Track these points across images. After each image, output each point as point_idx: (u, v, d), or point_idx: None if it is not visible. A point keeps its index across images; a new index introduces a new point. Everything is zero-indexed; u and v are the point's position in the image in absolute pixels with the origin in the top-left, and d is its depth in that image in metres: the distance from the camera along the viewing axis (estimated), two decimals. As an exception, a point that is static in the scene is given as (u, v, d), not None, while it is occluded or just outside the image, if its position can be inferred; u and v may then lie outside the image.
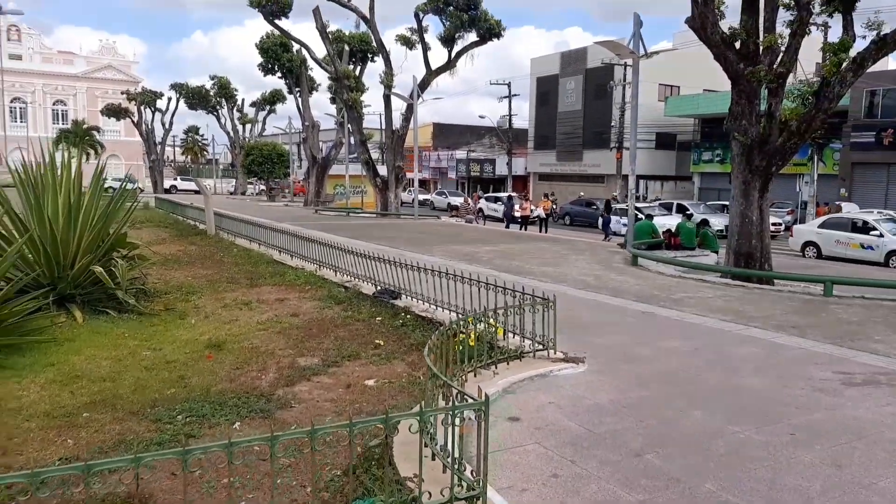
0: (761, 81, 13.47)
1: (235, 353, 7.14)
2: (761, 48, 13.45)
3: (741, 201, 13.76)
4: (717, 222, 24.00)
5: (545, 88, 49.41)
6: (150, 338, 7.71)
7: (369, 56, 38.86)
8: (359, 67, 40.14)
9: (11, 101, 72.53)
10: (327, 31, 32.47)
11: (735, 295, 11.13)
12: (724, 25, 13.79)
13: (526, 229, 26.62)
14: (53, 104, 75.31)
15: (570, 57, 47.16)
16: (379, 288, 9.90)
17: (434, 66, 32.19)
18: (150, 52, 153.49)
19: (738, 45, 13.63)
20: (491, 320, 6.51)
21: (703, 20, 13.32)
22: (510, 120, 53.18)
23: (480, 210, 38.66)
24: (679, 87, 42.54)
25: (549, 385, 5.94)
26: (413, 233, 22.23)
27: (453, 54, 32.05)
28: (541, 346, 6.70)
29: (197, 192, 67.03)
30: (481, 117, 56.60)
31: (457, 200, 41.95)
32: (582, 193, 38.80)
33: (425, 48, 32.26)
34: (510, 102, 52.69)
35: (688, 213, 25.25)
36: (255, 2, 29.81)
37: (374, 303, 9.45)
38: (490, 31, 31.48)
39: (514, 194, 37.29)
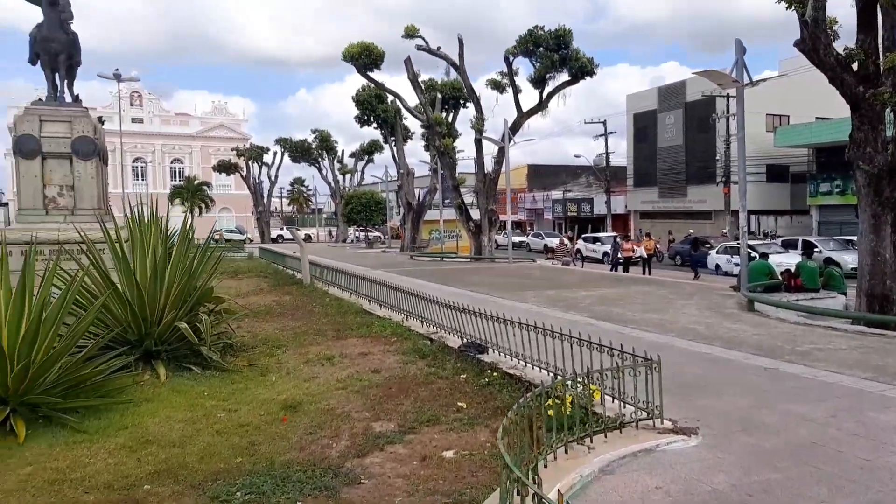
0: (885, 104, 12.08)
1: (311, 415, 6.72)
2: (882, 68, 12.09)
3: (871, 237, 12.25)
4: (849, 259, 22.01)
5: (643, 124, 48.00)
6: (228, 397, 7.44)
7: (461, 102, 39.13)
8: (451, 114, 40.53)
9: (134, 161, 78.62)
10: (419, 80, 32.96)
11: (873, 346, 9.70)
12: (839, 46, 12.57)
13: (627, 271, 25.33)
14: (171, 162, 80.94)
15: (668, 91, 45.69)
16: (465, 341, 9.30)
17: (525, 108, 31.84)
18: (259, 110, 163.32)
19: (855, 66, 12.35)
20: (586, 381, 5.76)
21: (814, 42, 12.16)
22: (607, 157, 51.87)
23: (578, 251, 37.55)
24: (788, 116, 40.07)
25: (655, 464, 5.08)
26: (507, 277, 21.57)
27: (544, 95, 31.62)
28: (645, 415, 5.85)
29: (304, 241, 69.73)
30: (577, 156, 55.81)
31: (553, 242, 40.96)
32: (691, 231, 36.89)
33: (516, 91, 32.03)
34: (606, 140, 51.53)
35: (814, 250, 23.08)
36: (348, 56, 30.72)
37: (460, 357, 8.84)
38: (582, 70, 30.88)
39: (617, 234, 35.97)
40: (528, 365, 7.79)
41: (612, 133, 52.02)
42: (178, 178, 76.65)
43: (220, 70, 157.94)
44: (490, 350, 8.68)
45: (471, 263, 28.91)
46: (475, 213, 32.55)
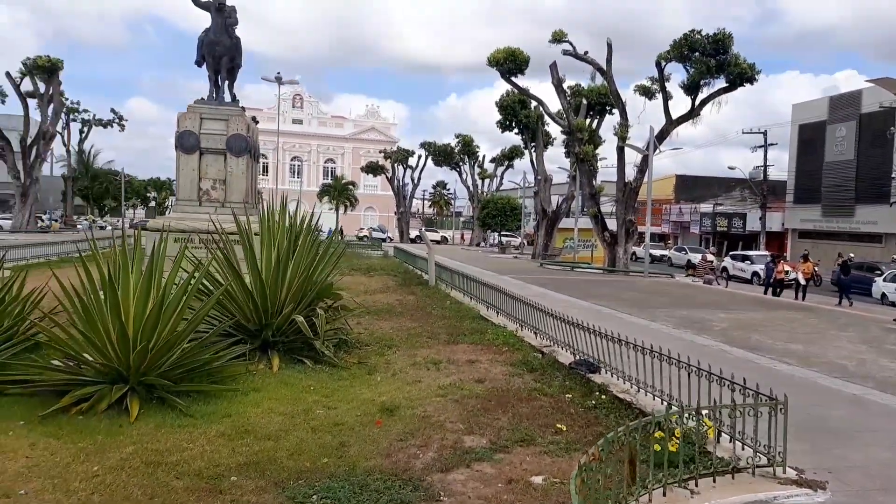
0: None
1: (405, 420, 6.61)
2: None
3: None
4: None
5: (809, 136, 44.07)
6: (331, 394, 7.52)
7: (607, 108, 37.94)
8: (596, 120, 39.44)
9: (291, 160, 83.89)
10: (563, 85, 32.33)
11: None
12: None
13: (779, 294, 23.23)
14: (325, 162, 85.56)
15: (841, 101, 41.58)
16: (577, 358, 8.83)
17: (675, 116, 30.31)
18: (410, 114, 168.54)
19: None
20: (701, 415, 5.19)
21: None
22: (765, 170, 48.21)
23: (724, 269, 35.10)
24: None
25: (767, 521, 4.44)
26: (639, 292, 20.52)
27: (697, 102, 29.92)
28: (764, 460, 5.16)
29: (439, 242, 71.08)
30: (731, 168, 52.24)
31: (697, 257, 38.64)
32: (852, 255, 33.39)
33: (666, 97, 30.55)
34: (765, 152, 47.88)
35: None
36: (493, 61, 30.75)
37: (569, 375, 8.40)
38: (741, 76, 28.88)
39: (773, 254, 33.30)
40: (640, 390, 7.22)
41: (772, 145, 48.35)
42: (329, 178, 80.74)
43: (378, 75, 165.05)
44: (602, 370, 8.17)
45: (602, 275, 27.88)
46: (612, 224, 31.38)
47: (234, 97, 19.07)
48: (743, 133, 50.62)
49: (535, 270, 29.49)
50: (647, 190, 28.17)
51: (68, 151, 57.80)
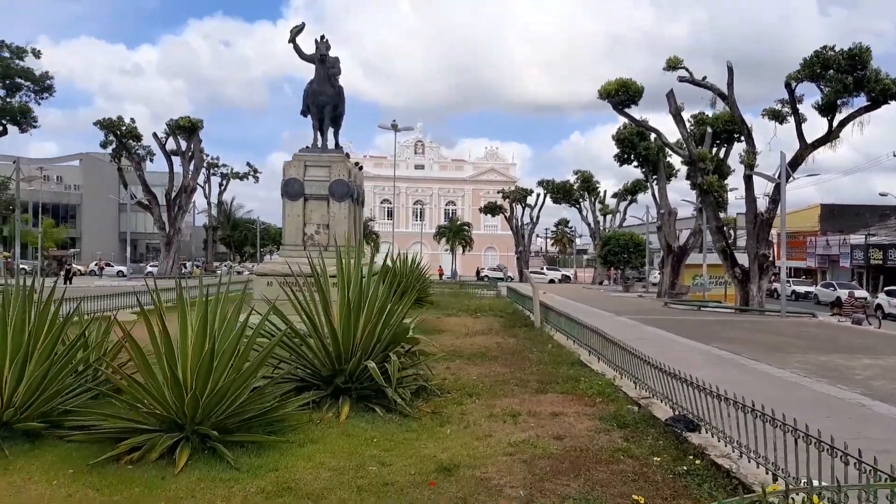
0: None
1: (461, 482, 5.91)
2: None
3: None
4: None
5: (976, 155, 38.98)
6: (393, 447, 6.96)
7: (735, 136, 35.65)
8: (723, 149, 37.24)
9: (414, 204, 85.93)
10: (681, 113, 30.72)
11: None
12: None
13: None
14: (446, 204, 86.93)
15: None
16: (675, 413, 7.72)
17: (810, 140, 27.82)
18: (533, 154, 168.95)
19: None
20: (812, 497, 4.13)
21: None
22: (924, 196, 43.20)
23: (879, 307, 31.31)
24: None
25: None
26: (772, 334, 18.47)
27: (835, 124, 27.35)
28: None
29: (560, 282, 69.48)
30: (882, 195, 47.24)
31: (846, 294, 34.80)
32: None
33: (798, 120, 28.20)
34: (924, 175, 43.00)
35: None
36: (604, 93, 29.81)
37: (664, 433, 7.33)
38: (885, 93, 26.17)
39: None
40: (743, 456, 6.08)
41: (932, 166, 43.34)
42: (452, 218, 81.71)
43: (499, 117, 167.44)
44: (703, 429, 7.04)
45: (733, 315, 25.59)
46: (744, 259, 28.96)
47: (337, 144, 19.50)
48: (895, 155, 45.77)
49: (657, 310, 27.68)
50: (781, 221, 25.77)
51: (209, 203, 62.56)
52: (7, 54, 27.76)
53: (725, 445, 6.43)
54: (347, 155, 19.98)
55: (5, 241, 63.70)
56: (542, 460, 6.51)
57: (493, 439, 7.27)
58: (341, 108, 19.64)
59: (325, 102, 18.70)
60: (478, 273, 67.18)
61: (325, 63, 18.59)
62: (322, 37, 18.93)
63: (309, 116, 19.03)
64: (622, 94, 29.89)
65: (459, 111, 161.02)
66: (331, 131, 19.73)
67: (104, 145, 48.92)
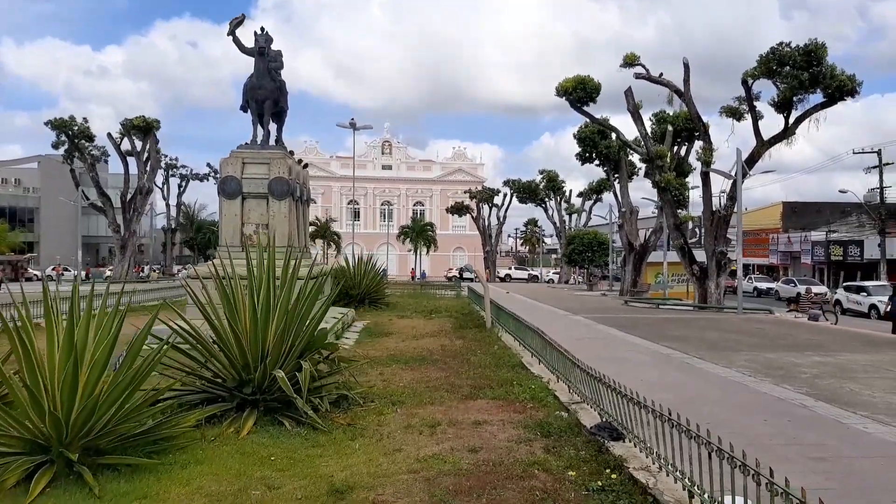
0: None
1: (352, 507, 5.30)
2: None
3: None
4: None
5: (930, 151, 39.47)
6: (288, 467, 6.30)
7: (695, 135, 35.57)
8: (684, 147, 37.11)
9: (382, 205, 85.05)
10: (639, 111, 30.43)
11: None
12: None
13: (898, 331, 20.04)
14: (413, 205, 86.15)
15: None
16: (602, 421, 7.20)
17: (766, 137, 27.72)
18: (505, 156, 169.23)
19: None
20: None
21: None
22: (882, 193, 43.70)
23: (837, 302, 31.46)
24: None
25: None
26: (725, 332, 18.16)
27: (791, 121, 27.25)
28: None
29: (527, 281, 69.21)
30: (842, 192, 47.83)
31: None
32: None
33: (755, 117, 28.06)
34: (881, 172, 43.53)
35: None
36: (562, 90, 29.38)
37: (588, 441, 6.79)
38: (840, 89, 26.06)
39: (891, 284, 29.61)
40: (662, 470, 5.55)
41: (888, 164, 43.85)
42: (421, 219, 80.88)
43: (472, 119, 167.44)
44: (626, 438, 6.51)
45: (691, 313, 25.34)
46: (702, 256, 28.79)
47: (280, 141, 18.76)
48: (854, 153, 46.21)
49: (616, 308, 27.35)
50: (738, 218, 25.61)
51: (168, 205, 61.03)
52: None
53: (646, 457, 5.91)
54: (291, 152, 19.24)
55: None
56: (448, 478, 5.91)
57: (401, 454, 6.67)
58: (283, 103, 18.89)
59: (264, 97, 17.95)
60: (461, 273, 66.24)
61: (264, 56, 17.84)
62: (262, 29, 18.17)
63: (249, 112, 18.32)
64: (580, 91, 29.44)
65: (432, 113, 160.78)
66: (274, 127, 19.00)
67: (56, 146, 47.27)
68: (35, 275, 67.12)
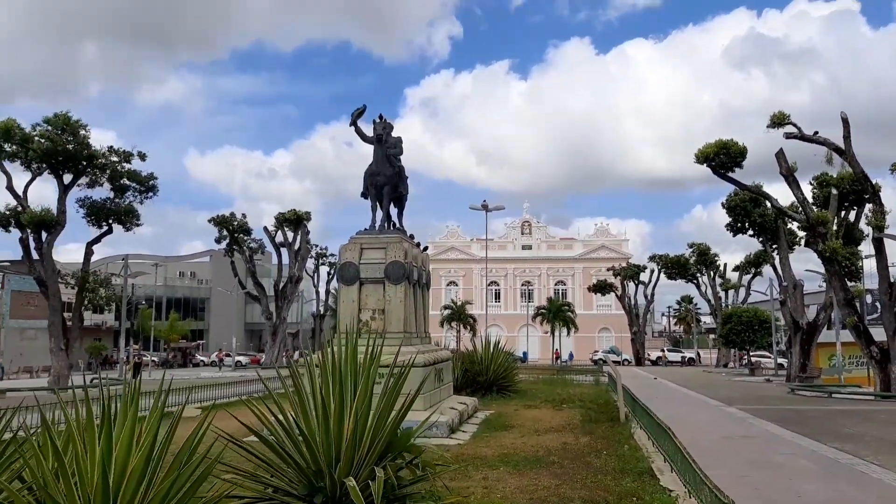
0: None
1: None
2: None
3: None
4: None
5: None
6: None
7: (865, 197, 31.75)
8: (852, 212, 33.24)
9: (522, 285, 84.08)
10: (794, 174, 27.62)
11: None
12: None
13: None
14: (555, 284, 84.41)
15: None
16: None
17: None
18: (654, 231, 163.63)
19: None
20: None
21: None
22: None
23: None
24: None
25: None
26: (919, 430, 14.96)
27: (983, 174, 23.43)
28: None
29: (682, 364, 64.25)
30: None
31: None
32: None
33: (936, 173, 24.48)
34: None
35: None
36: (702, 157, 27.47)
37: None
38: None
39: None
40: None
41: None
42: (562, 298, 78.73)
43: (616, 196, 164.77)
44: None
45: (871, 403, 21.56)
46: (881, 334, 24.81)
47: (396, 225, 18.64)
48: None
49: (780, 398, 23.99)
50: (924, 289, 21.86)
51: (317, 292, 64.02)
52: (115, 158, 29.75)
53: None
54: (412, 236, 19.07)
55: (135, 335, 68.04)
56: None
57: None
58: (402, 188, 18.90)
59: (383, 183, 18.03)
60: (602, 357, 63.46)
61: (382, 143, 18.05)
62: (381, 117, 18.49)
63: (369, 199, 18.46)
64: (722, 157, 27.35)
65: (575, 192, 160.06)
66: (395, 212, 19.03)
67: (218, 240, 51.54)
68: (202, 360, 72.64)
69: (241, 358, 61.58)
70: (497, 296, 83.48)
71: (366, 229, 17.88)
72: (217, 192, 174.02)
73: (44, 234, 28.45)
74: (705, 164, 27.70)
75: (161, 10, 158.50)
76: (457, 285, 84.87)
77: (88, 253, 30.79)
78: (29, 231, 28.37)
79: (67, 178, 29.00)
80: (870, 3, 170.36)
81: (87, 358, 61.91)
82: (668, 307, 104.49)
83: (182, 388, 20.03)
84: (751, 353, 46.79)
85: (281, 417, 7.52)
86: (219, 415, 8.25)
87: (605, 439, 13.58)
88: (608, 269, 67.80)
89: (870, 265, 34.40)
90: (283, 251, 51.62)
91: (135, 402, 6.08)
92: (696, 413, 18.93)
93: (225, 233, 50.84)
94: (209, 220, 50.15)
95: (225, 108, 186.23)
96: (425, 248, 19.96)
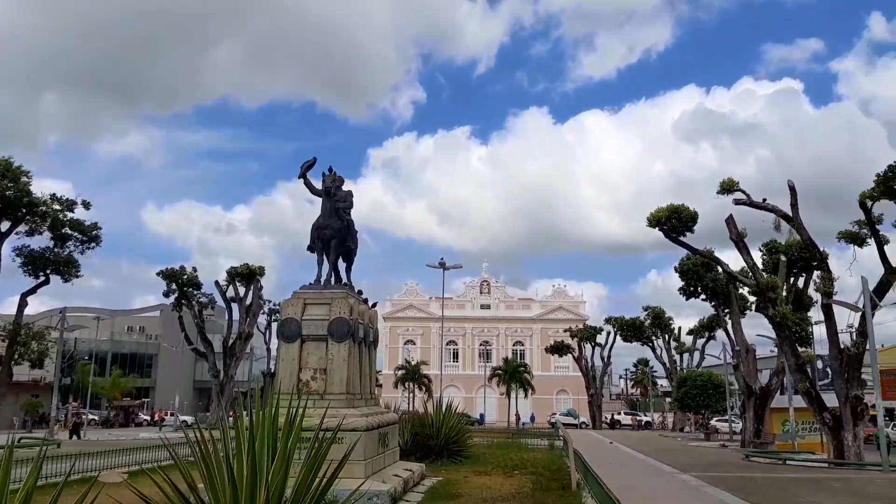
0: None
1: None
2: None
3: None
4: None
5: None
6: None
7: (813, 264, 32.38)
8: (801, 278, 33.85)
9: (480, 345, 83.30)
10: (743, 239, 28.02)
11: None
12: None
13: None
14: (513, 345, 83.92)
15: None
16: None
17: (895, 263, 24.48)
18: (610, 294, 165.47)
19: None
20: None
21: None
22: None
23: None
24: None
25: None
26: (865, 499, 14.62)
27: (923, 243, 24.02)
28: None
29: (637, 428, 63.74)
30: None
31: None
32: None
33: (880, 242, 25.04)
34: None
35: None
36: (654, 220, 27.70)
37: None
38: (980, 205, 22.92)
39: None
40: None
41: None
42: (520, 359, 78.02)
43: (573, 259, 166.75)
44: None
45: (824, 470, 21.31)
46: (833, 401, 24.80)
47: (343, 281, 18.04)
48: None
49: (735, 465, 23.58)
50: (871, 356, 22.05)
51: (268, 350, 62.15)
52: (58, 206, 28.66)
53: None
54: (360, 292, 18.43)
55: (72, 392, 64.76)
56: None
57: None
58: (351, 243, 18.36)
59: (330, 236, 17.49)
60: (555, 421, 62.58)
61: (331, 196, 17.62)
62: (330, 169, 18.09)
63: (315, 253, 17.88)
64: (674, 221, 27.66)
65: (533, 253, 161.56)
66: (343, 267, 18.44)
67: (167, 294, 49.80)
68: (145, 419, 69.34)
69: (186, 418, 58.86)
70: (455, 355, 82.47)
71: (310, 284, 17.22)
72: (174, 246, 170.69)
73: (-26, 284, 27.02)
74: (657, 228, 27.92)
75: (127, 63, 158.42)
76: (414, 344, 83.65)
77: (22, 304, 29.22)
78: (-42, 280, 26.87)
79: (5, 225, 27.79)
80: (811, 83, 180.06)
81: (21, 415, 58.60)
82: (626, 370, 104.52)
83: (106, 452, 18.69)
84: (708, 418, 46.58)
85: (184, 489, 6.72)
86: (144, 482, 7.45)
87: (553, 511, 12.88)
88: (565, 331, 67.66)
89: (819, 331, 34.81)
90: (234, 306, 50.12)
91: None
92: (649, 481, 18.36)
93: (174, 286, 49.18)
94: (157, 273, 48.61)
95: (186, 162, 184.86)
96: (374, 305, 19.36)
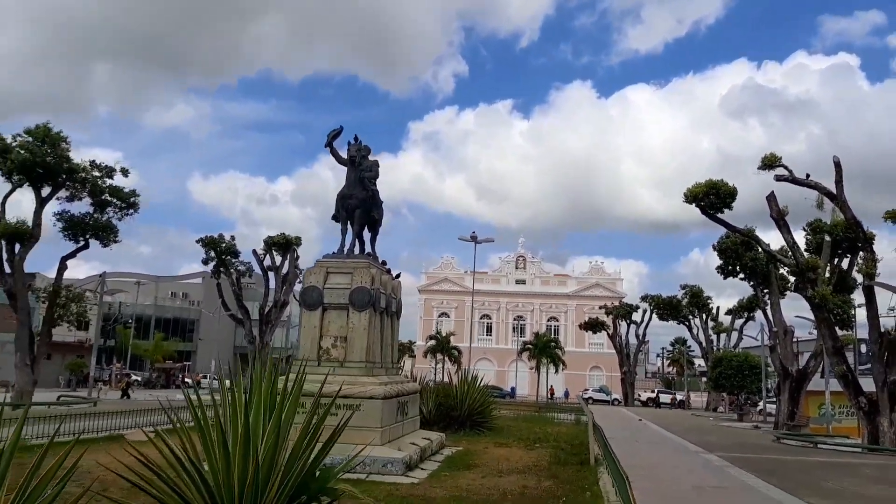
0: None
1: None
2: None
3: None
4: None
5: None
6: None
7: (859, 245, 31.19)
8: (846, 259, 32.64)
9: (514, 319, 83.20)
10: (784, 217, 27.07)
11: None
12: None
13: None
14: (548, 320, 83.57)
15: None
16: None
17: (946, 243, 23.36)
18: (651, 272, 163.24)
19: None
20: None
21: None
22: None
23: None
24: None
25: None
26: (900, 487, 14.14)
27: (977, 224, 22.86)
28: None
29: (671, 406, 63.02)
30: None
31: None
32: None
33: (930, 222, 23.93)
34: None
35: None
36: (691, 196, 26.93)
37: None
38: None
39: None
40: None
41: None
42: (553, 334, 77.74)
43: (614, 236, 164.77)
44: None
45: (857, 456, 20.70)
46: (871, 385, 24.00)
47: (368, 251, 18.02)
48: None
49: (765, 447, 23.07)
50: (913, 340, 21.15)
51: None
52: (97, 173, 29.25)
53: None
54: (384, 262, 18.39)
55: (118, 354, 66.96)
56: None
57: None
58: (376, 213, 18.29)
59: (354, 206, 17.44)
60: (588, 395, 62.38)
61: (355, 165, 17.53)
62: (356, 138, 18.01)
63: (339, 222, 17.86)
64: (712, 197, 26.84)
65: (574, 230, 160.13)
66: (368, 237, 18.40)
67: (206, 262, 50.74)
68: (188, 382, 71.44)
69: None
70: (489, 329, 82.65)
71: (333, 253, 17.25)
72: (219, 216, 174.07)
73: (17, 247, 27.81)
74: (693, 204, 27.16)
75: (174, 36, 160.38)
76: (448, 316, 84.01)
77: (62, 267, 30.07)
78: (3, 242, 27.73)
79: (46, 190, 28.46)
80: (869, 58, 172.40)
81: (66, 375, 60.82)
82: (663, 348, 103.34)
83: (138, 411, 19.24)
84: (746, 398, 45.71)
85: (179, 452, 6.76)
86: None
87: (568, 484, 12.77)
88: (601, 308, 66.98)
89: (862, 314, 33.69)
90: (271, 275, 50.87)
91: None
92: (672, 459, 18.08)
93: (213, 254, 50.07)
94: (197, 241, 49.48)
95: (231, 133, 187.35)
96: (397, 276, 19.30)
